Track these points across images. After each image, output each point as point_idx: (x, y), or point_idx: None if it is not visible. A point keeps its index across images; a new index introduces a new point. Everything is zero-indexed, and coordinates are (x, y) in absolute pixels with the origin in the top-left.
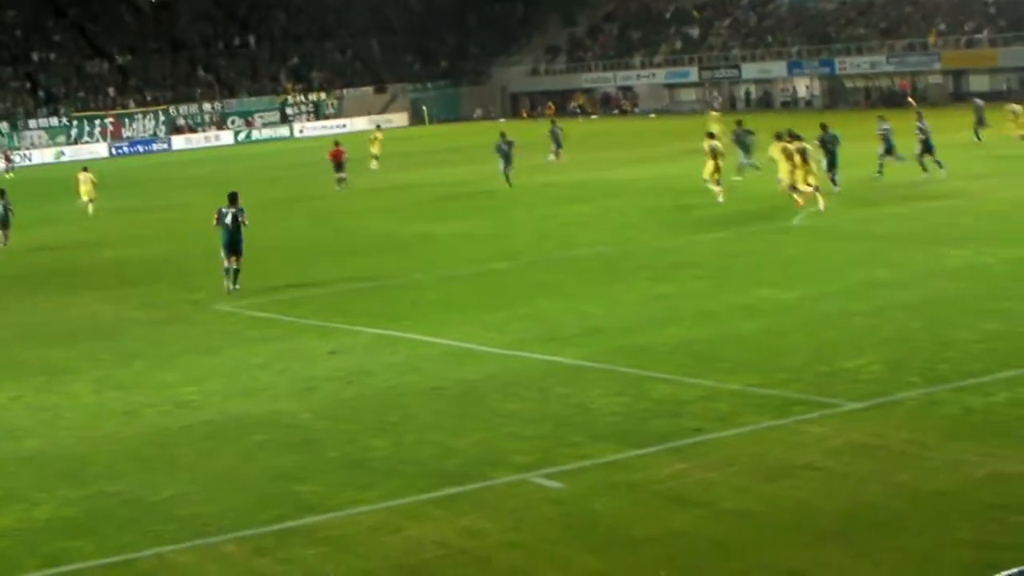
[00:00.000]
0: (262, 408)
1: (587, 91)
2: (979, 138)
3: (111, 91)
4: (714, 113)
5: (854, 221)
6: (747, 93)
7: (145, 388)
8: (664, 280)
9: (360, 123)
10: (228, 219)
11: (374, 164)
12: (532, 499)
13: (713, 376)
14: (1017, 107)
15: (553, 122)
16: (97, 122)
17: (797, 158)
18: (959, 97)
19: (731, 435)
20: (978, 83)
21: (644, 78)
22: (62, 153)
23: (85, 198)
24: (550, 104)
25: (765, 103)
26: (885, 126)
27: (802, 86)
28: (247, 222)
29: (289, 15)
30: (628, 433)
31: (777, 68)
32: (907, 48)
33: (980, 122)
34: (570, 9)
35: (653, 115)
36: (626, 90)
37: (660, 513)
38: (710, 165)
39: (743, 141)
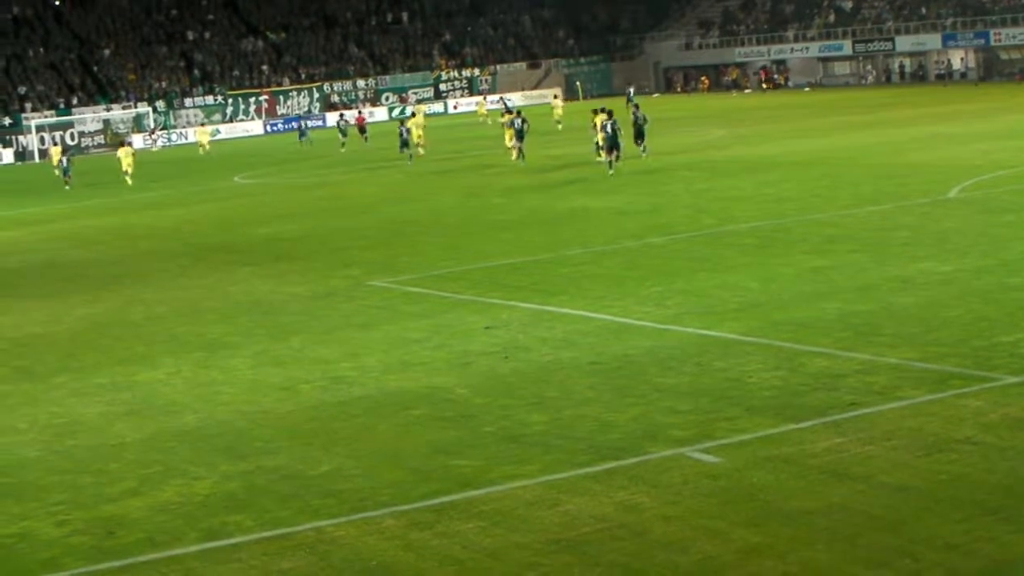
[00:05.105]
0: (419, 383)
1: (740, 65)
2: None
3: (265, 69)
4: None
5: (1011, 193)
6: (901, 66)
7: (302, 363)
8: (821, 254)
9: (515, 99)
10: (608, 128)
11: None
12: (689, 473)
13: (870, 350)
14: None
15: (519, 113)
16: (252, 100)
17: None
18: None
19: (888, 409)
20: None
21: (797, 52)
22: (218, 131)
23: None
24: (704, 78)
25: (920, 76)
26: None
27: (957, 58)
28: (620, 130)
29: None
30: (785, 407)
31: (931, 40)
32: None
33: None
34: None
35: (807, 88)
36: (779, 63)
37: (817, 487)
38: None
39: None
